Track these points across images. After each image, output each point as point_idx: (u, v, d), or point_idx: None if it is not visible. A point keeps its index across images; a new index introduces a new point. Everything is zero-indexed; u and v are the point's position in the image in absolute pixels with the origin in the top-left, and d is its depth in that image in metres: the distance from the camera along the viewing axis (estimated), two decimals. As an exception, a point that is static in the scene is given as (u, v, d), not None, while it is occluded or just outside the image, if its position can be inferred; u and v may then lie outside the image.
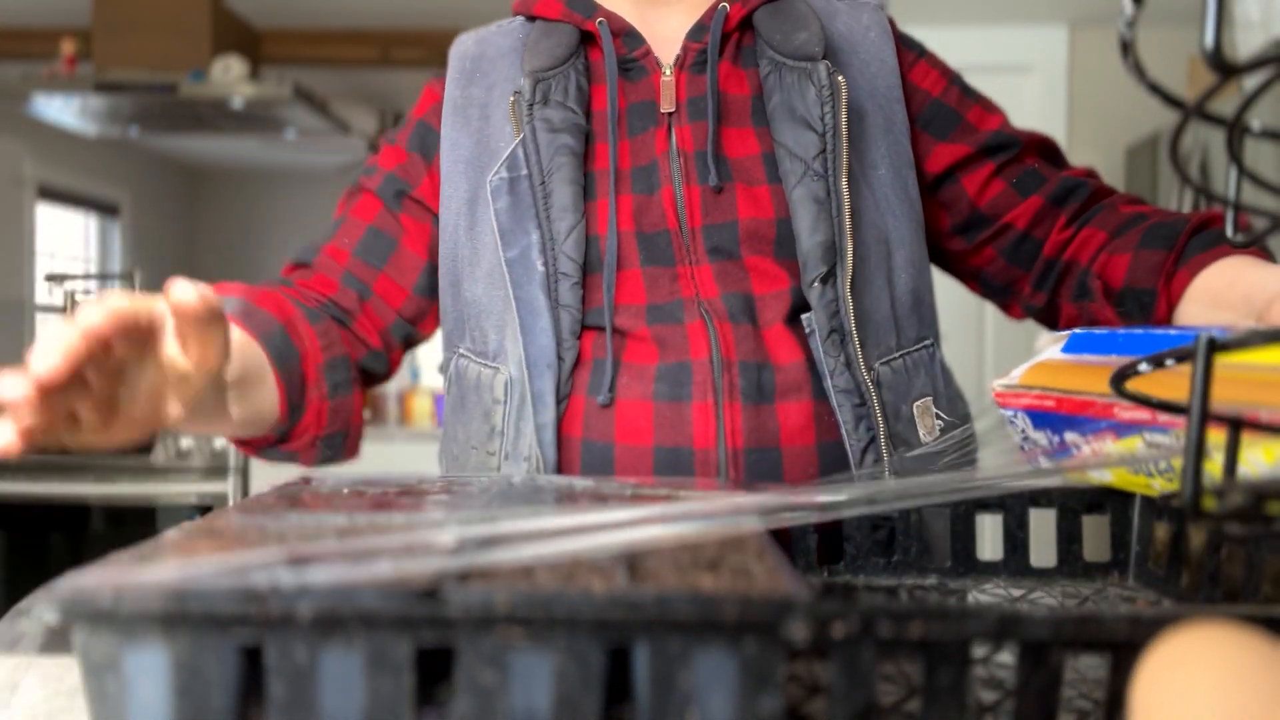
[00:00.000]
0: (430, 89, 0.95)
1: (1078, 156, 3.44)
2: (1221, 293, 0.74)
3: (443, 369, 0.93)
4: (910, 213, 0.87)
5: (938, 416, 0.85)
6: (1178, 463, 0.55)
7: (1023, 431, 0.66)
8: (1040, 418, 0.64)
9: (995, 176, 0.91)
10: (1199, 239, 0.79)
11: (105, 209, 5.96)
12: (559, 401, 0.80)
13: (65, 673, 0.62)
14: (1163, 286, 0.79)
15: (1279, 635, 0.33)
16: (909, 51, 0.92)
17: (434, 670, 0.38)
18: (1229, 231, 0.48)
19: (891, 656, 0.36)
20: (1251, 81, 0.41)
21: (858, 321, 0.80)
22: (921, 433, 0.83)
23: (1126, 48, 0.36)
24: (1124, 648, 0.37)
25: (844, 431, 0.79)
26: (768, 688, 0.35)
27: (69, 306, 3.54)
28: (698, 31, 0.86)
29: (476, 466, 0.85)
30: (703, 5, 0.89)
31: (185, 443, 3.21)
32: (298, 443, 0.84)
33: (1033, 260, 0.92)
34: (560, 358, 0.80)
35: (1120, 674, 0.37)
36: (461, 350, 0.88)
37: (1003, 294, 0.96)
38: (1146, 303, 0.80)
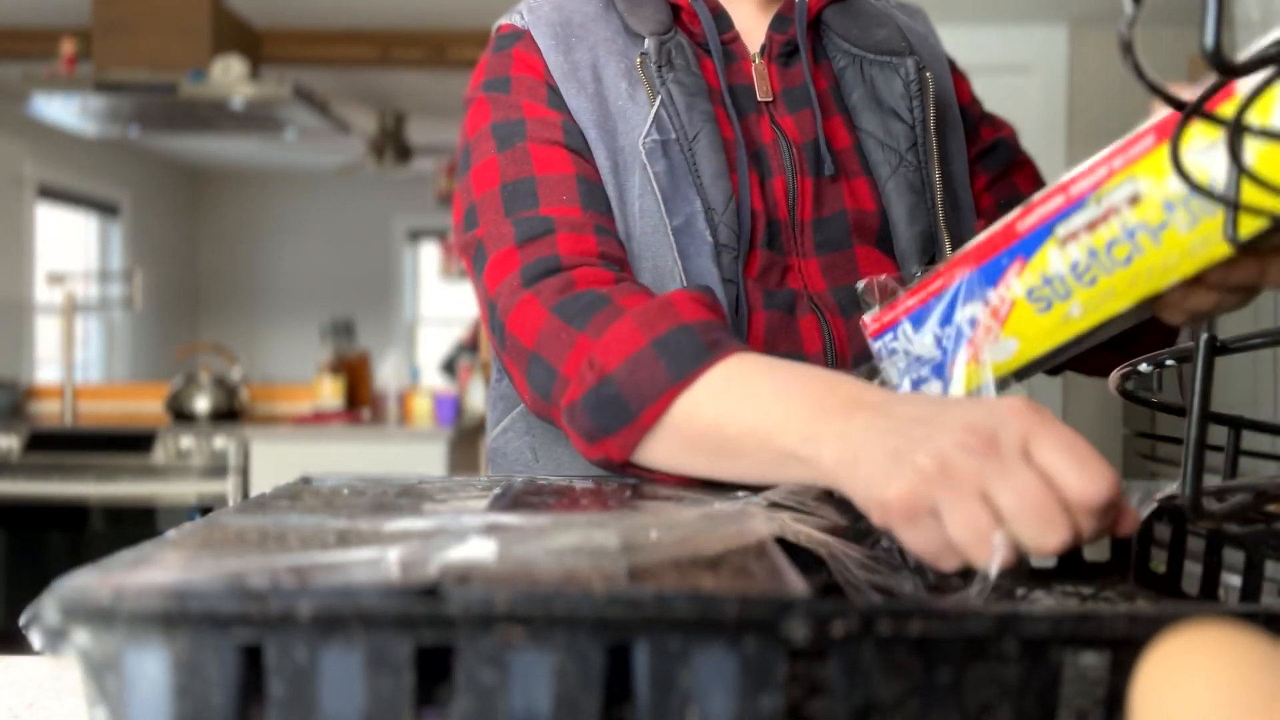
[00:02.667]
0: (522, 53, 0.84)
1: (1078, 157, 3.44)
2: None
3: None
4: (972, 209, 0.88)
5: None
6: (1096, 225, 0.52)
7: (906, 355, 0.60)
8: (922, 313, 0.59)
9: (986, 190, 0.92)
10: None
11: (105, 209, 5.96)
12: None
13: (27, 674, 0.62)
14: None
15: (1279, 635, 0.33)
16: (950, 61, 0.95)
17: (434, 670, 0.38)
18: (1229, 231, 0.48)
19: (891, 655, 0.36)
20: (1252, 82, 0.41)
21: None
22: None
23: (1127, 48, 0.36)
24: (1124, 646, 0.37)
25: None
26: (768, 687, 0.35)
27: (69, 306, 3.54)
28: (780, 23, 0.85)
29: None
30: None
31: (185, 443, 3.21)
32: None
33: None
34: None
35: (1120, 673, 0.37)
36: None
37: None
38: None
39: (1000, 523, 0.45)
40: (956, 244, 0.81)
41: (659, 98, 0.80)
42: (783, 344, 0.78)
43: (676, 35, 0.83)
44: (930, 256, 0.81)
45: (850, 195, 0.82)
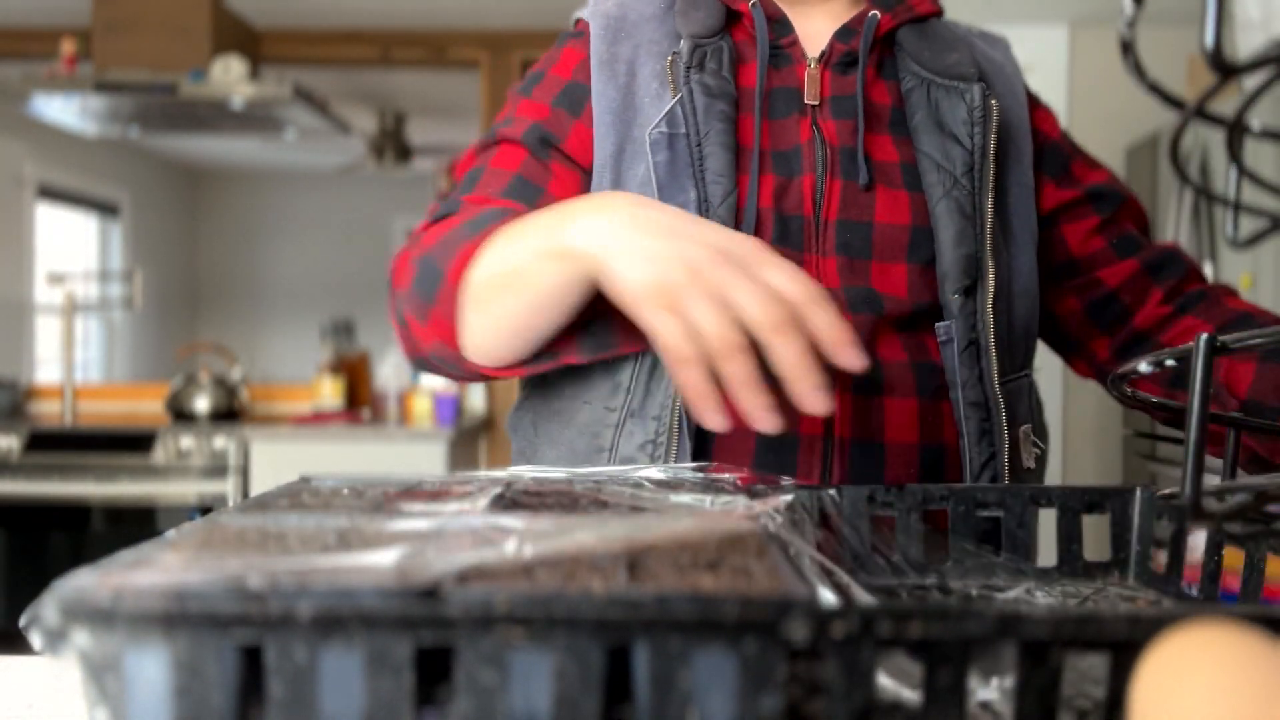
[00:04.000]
0: (572, 49, 0.91)
1: (1078, 156, 3.44)
2: None
3: None
4: (1031, 244, 0.89)
5: (1034, 444, 0.86)
6: None
7: None
8: None
9: (1097, 232, 0.93)
10: None
11: (105, 209, 5.96)
12: None
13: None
14: None
15: (1279, 635, 0.33)
16: (1032, 95, 0.95)
17: (434, 670, 0.38)
18: (1229, 231, 0.48)
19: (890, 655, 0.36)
20: (1251, 81, 0.41)
21: (996, 338, 0.82)
22: (1025, 458, 0.85)
23: (1126, 48, 0.36)
24: (1124, 647, 0.37)
25: (965, 444, 0.80)
26: (768, 687, 0.35)
27: (69, 306, 3.54)
28: (846, 33, 0.87)
29: (588, 423, 0.83)
30: (844, 12, 0.90)
31: (185, 443, 3.21)
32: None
33: (1116, 324, 0.95)
34: None
35: (1120, 673, 0.37)
36: None
37: (1073, 348, 0.98)
38: (1270, 417, 0.80)
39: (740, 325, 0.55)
40: (1000, 271, 0.84)
41: (679, 96, 0.83)
42: None
43: (723, 39, 0.86)
44: (972, 281, 0.81)
45: (888, 207, 0.83)
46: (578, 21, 0.93)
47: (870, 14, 0.87)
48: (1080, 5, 3.22)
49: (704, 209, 0.80)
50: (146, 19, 3.40)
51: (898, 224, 0.83)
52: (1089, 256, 0.94)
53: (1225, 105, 2.25)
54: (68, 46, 3.39)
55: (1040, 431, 0.89)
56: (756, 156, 0.82)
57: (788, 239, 0.82)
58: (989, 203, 0.83)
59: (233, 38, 3.61)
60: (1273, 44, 0.55)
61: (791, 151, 0.84)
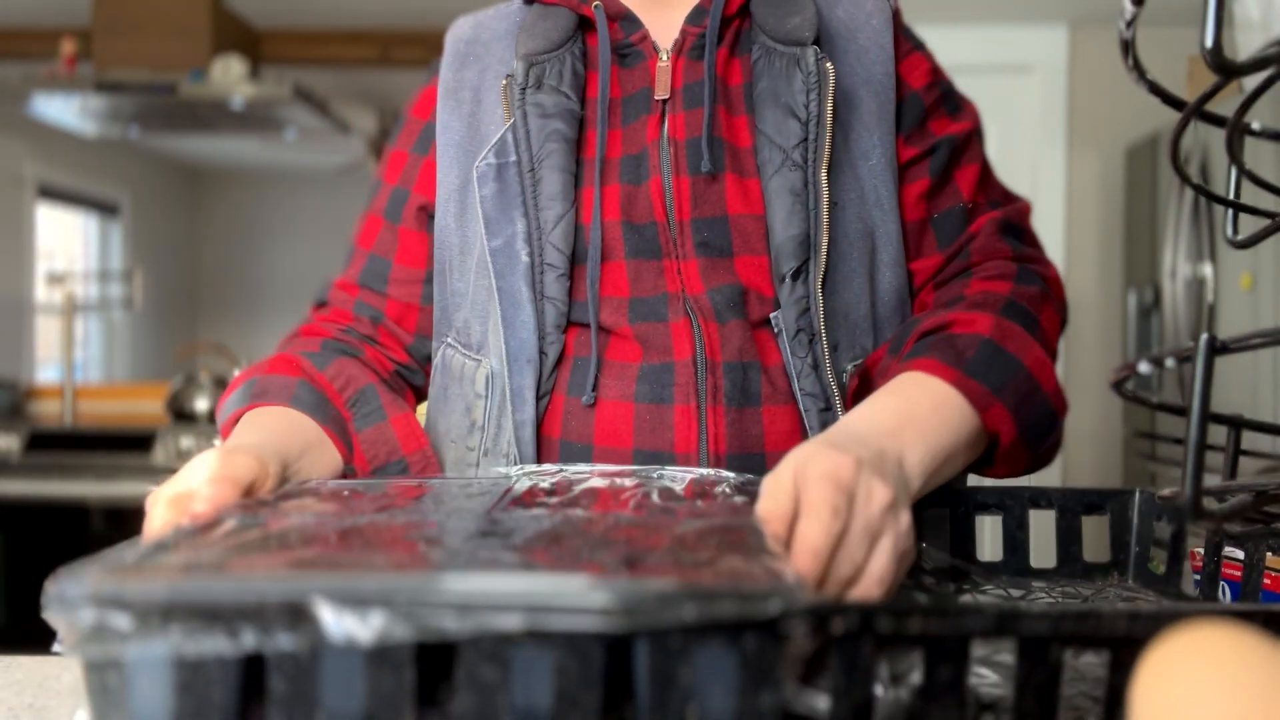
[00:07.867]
0: (433, 83, 0.92)
1: (1078, 156, 3.44)
2: None
3: (430, 358, 0.91)
4: (887, 211, 0.82)
5: None
6: None
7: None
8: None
9: (925, 199, 0.84)
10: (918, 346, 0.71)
11: (105, 209, 5.96)
12: (539, 399, 0.79)
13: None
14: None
15: (1278, 635, 0.33)
16: (906, 41, 0.87)
17: (435, 668, 0.38)
18: (1229, 231, 0.48)
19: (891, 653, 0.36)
20: (1251, 81, 0.41)
21: (831, 321, 0.78)
22: None
23: (1126, 48, 0.36)
24: (1124, 645, 0.37)
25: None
26: (767, 684, 0.35)
27: (69, 306, 3.54)
28: (697, 16, 0.84)
29: (454, 462, 0.83)
30: None
31: (185, 443, 3.21)
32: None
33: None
34: (543, 352, 0.79)
35: (1120, 671, 0.37)
36: (449, 340, 0.87)
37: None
38: None
39: None
40: (840, 244, 0.78)
41: (512, 121, 0.82)
42: (655, 352, 0.77)
43: (569, 49, 0.83)
44: (800, 262, 0.77)
45: (738, 199, 0.80)
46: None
47: None
48: (1080, 5, 3.22)
49: (535, 237, 0.79)
50: (146, 19, 3.39)
51: (751, 214, 0.79)
52: (915, 226, 0.84)
53: (1225, 105, 2.25)
54: (68, 46, 3.39)
55: None
56: (600, 167, 0.80)
57: (642, 249, 0.80)
58: (824, 175, 0.78)
59: (233, 38, 3.61)
60: (1272, 44, 0.55)
61: (640, 155, 0.81)
